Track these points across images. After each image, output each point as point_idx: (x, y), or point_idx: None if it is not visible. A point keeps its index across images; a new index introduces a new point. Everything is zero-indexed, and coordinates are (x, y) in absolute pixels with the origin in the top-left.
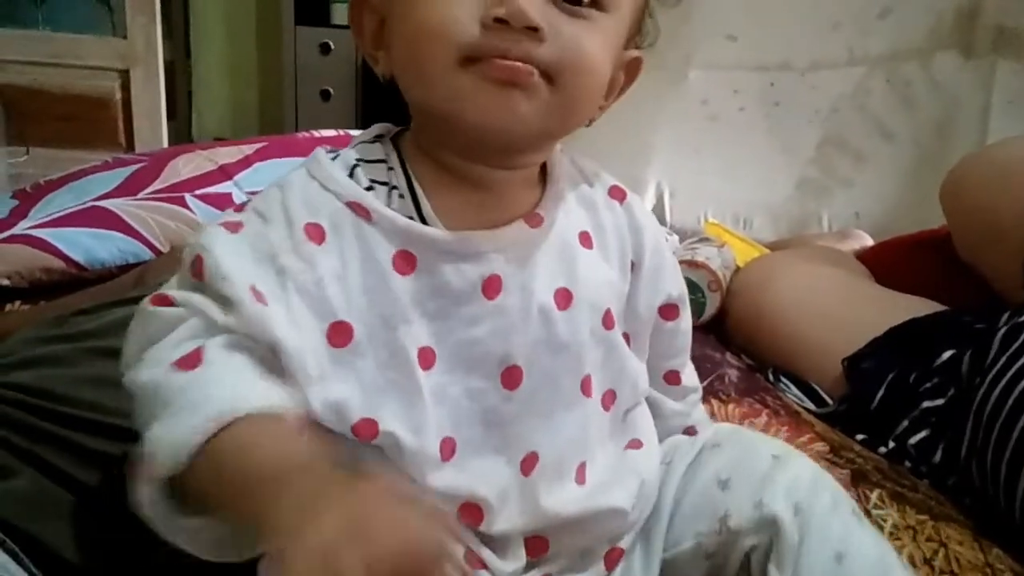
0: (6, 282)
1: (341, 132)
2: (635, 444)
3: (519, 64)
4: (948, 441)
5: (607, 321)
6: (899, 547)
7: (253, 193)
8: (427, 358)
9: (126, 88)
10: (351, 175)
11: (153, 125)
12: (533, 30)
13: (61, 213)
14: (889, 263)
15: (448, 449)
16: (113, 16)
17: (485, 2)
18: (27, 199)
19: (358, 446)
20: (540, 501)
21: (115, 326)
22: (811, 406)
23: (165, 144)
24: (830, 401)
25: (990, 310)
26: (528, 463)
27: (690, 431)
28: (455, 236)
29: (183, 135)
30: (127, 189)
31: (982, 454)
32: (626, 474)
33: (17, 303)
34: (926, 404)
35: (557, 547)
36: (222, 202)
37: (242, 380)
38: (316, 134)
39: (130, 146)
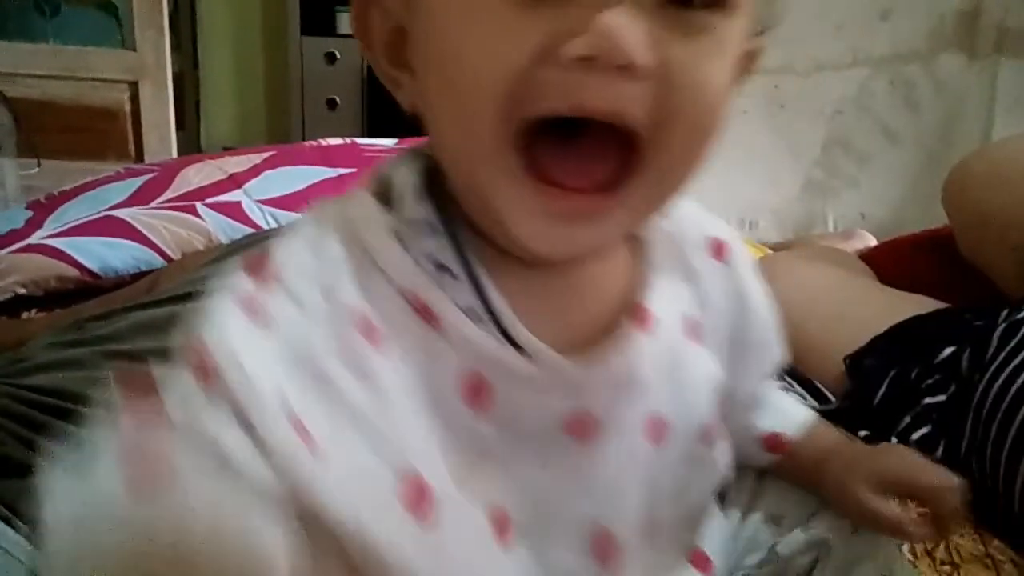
0: (22, 291)
1: (348, 140)
2: (701, 562)
3: (592, 199)
4: (949, 437)
5: (707, 438)
6: (899, 540)
7: (264, 202)
8: (503, 524)
9: (135, 100)
10: (400, 239)
11: (162, 136)
12: (630, 69)
13: (75, 223)
14: (892, 263)
15: None
16: (122, 29)
17: (554, 30)
18: (42, 210)
19: None
20: None
21: (129, 330)
22: (814, 404)
23: (174, 154)
24: (833, 399)
25: (990, 307)
26: None
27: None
28: (549, 366)
29: (192, 145)
30: (139, 199)
31: (982, 449)
32: None
33: (33, 311)
34: (927, 401)
35: None
36: (232, 210)
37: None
38: (323, 142)
39: (139, 157)
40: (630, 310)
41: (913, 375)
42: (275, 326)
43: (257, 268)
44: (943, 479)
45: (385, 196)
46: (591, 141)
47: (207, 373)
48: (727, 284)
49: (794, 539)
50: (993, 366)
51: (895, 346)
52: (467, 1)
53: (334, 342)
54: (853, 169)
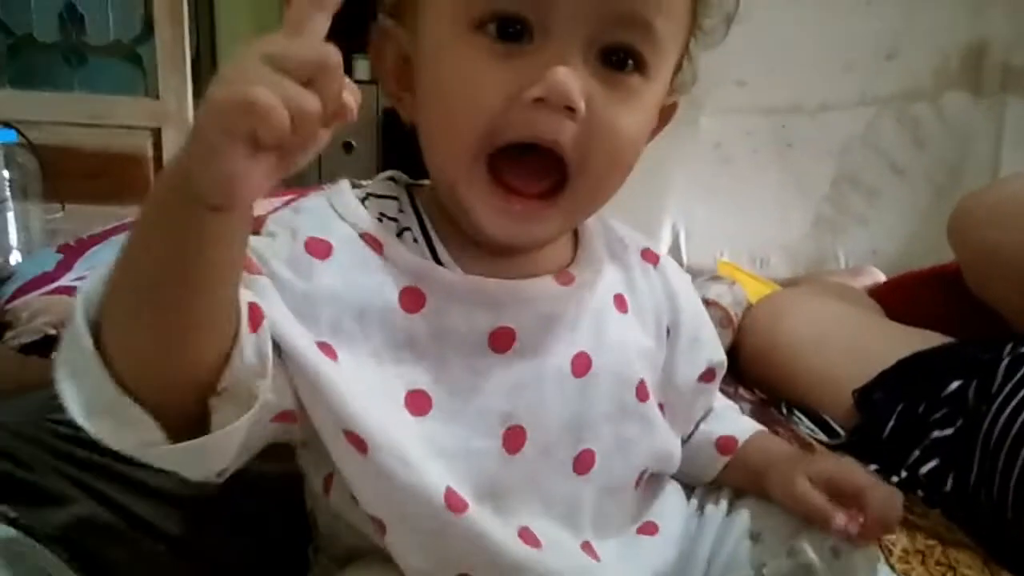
0: (52, 331)
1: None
2: (649, 528)
3: (530, 204)
4: (958, 470)
5: (641, 393)
6: (907, 570)
7: None
8: (419, 403)
9: (158, 146)
10: (363, 202)
11: None
12: (569, 109)
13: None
14: (900, 298)
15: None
16: (146, 78)
17: (522, 79)
18: (71, 253)
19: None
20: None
21: None
22: (823, 438)
23: None
24: (842, 433)
25: (996, 341)
26: (525, 536)
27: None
28: (472, 280)
29: None
30: None
31: (990, 480)
32: (636, 562)
33: None
34: (936, 434)
35: None
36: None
37: None
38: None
39: None
40: (557, 274)
41: (921, 409)
42: (265, 263)
43: (257, 225)
44: (876, 482)
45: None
46: (535, 162)
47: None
48: (657, 283)
49: (780, 563)
50: (999, 398)
51: (903, 380)
52: (455, 54)
53: (285, 252)
54: (863, 206)
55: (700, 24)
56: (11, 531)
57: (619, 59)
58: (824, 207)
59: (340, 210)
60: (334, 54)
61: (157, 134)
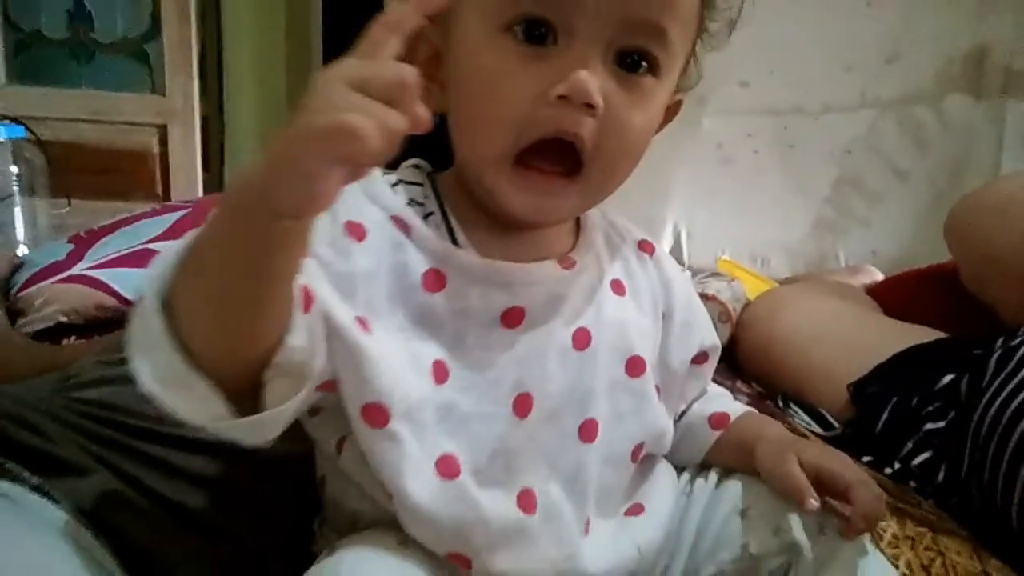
0: (64, 318)
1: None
2: (636, 509)
3: (553, 180)
4: (950, 462)
5: (633, 367)
6: (897, 555)
7: None
8: (439, 373)
9: (164, 142)
10: (394, 187)
11: (189, 177)
12: (589, 106)
13: (114, 255)
14: (898, 296)
15: (447, 468)
16: (152, 75)
17: (547, 79)
18: (82, 243)
19: (366, 430)
20: (539, 543)
21: None
22: (819, 430)
23: (200, 195)
24: (837, 425)
25: (988, 336)
26: (524, 499)
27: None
28: (488, 264)
29: (217, 186)
30: (173, 233)
31: (980, 470)
32: (622, 542)
33: (72, 338)
34: (928, 426)
35: None
36: None
37: None
38: None
39: (167, 197)
40: (560, 258)
41: (914, 402)
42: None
43: None
44: (863, 480)
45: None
46: (554, 148)
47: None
48: (653, 272)
49: (766, 540)
50: (990, 391)
51: (897, 374)
52: (486, 54)
53: (327, 234)
54: (864, 208)
55: (706, 27)
56: (37, 497)
57: (633, 61)
58: (825, 209)
59: (372, 195)
60: (411, 72)
61: (163, 131)
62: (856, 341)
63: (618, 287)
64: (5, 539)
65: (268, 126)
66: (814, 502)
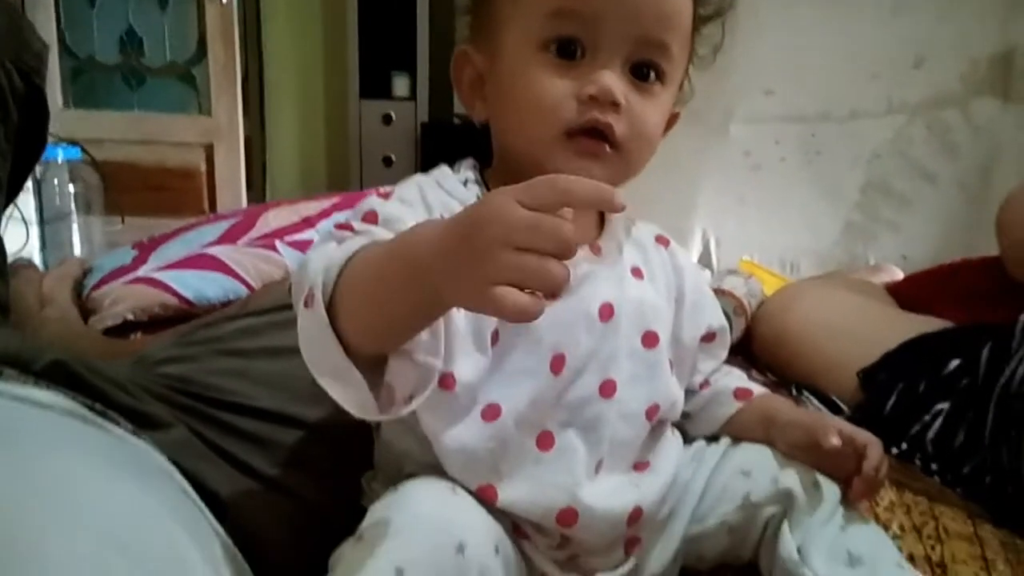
0: (130, 316)
1: None
2: (643, 466)
3: (601, 143)
4: (969, 428)
5: (648, 340)
6: (889, 519)
7: None
8: (494, 337)
9: (210, 160)
10: (465, 185)
11: (233, 193)
12: (615, 104)
13: (174, 259)
14: (921, 287)
15: (491, 413)
16: (199, 96)
17: (579, 84)
18: (145, 249)
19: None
20: (549, 471)
21: (232, 335)
22: (828, 413)
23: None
24: (846, 409)
25: (996, 324)
26: (543, 440)
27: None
28: None
29: (259, 201)
30: (228, 238)
31: (1007, 432)
32: (626, 488)
33: (138, 333)
34: (936, 407)
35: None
36: (306, 247)
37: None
38: (382, 189)
39: (213, 212)
40: (589, 245)
41: (922, 387)
42: (395, 202)
43: (384, 195)
44: (877, 442)
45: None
46: (591, 138)
47: (372, 219)
48: (668, 261)
49: (764, 490)
50: (1020, 353)
51: (906, 361)
52: (529, 68)
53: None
54: (893, 212)
55: (696, 51)
56: (137, 439)
57: (645, 72)
58: (854, 214)
59: (450, 189)
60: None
61: (209, 150)
62: (868, 331)
63: (637, 272)
64: (123, 461)
65: (307, 142)
66: (835, 440)
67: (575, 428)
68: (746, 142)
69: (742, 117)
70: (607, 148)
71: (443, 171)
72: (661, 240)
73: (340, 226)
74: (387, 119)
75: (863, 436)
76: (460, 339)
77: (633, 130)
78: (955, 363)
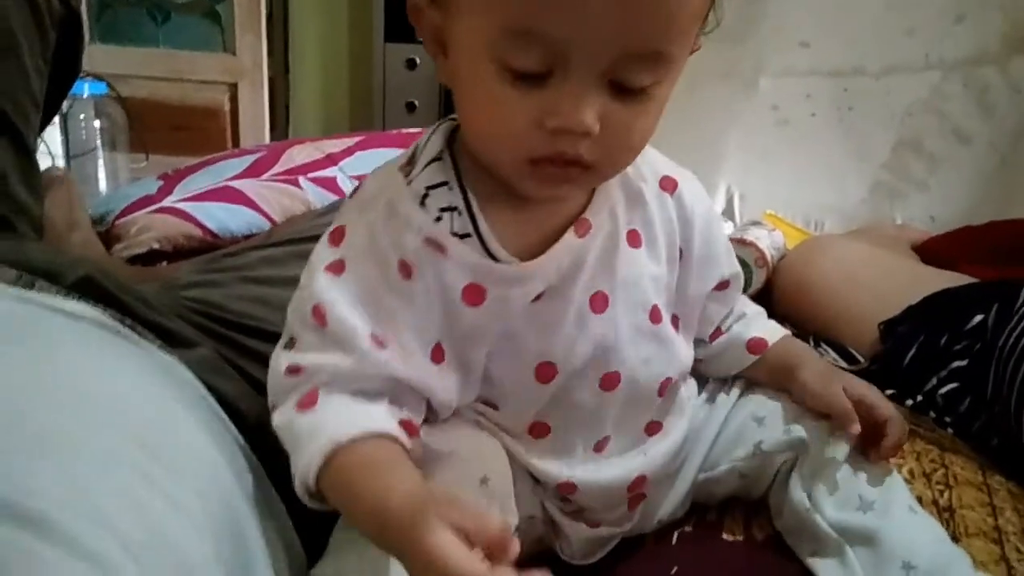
0: (156, 245)
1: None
2: (655, 428)
3: (569, 169)
4: (975, 392)
5: (655, 316)
6: (901, 464)
7: (355, 177)
8: (488, 357)
9: (234, 100)
10: (423, 203)
11: (257, 134)
12: (586, 134)
13: (199, 191)
14: (940, 251)
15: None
16: (224, 34)
17: (540, 107)
18: (170, 180)
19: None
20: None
21: (256, 263)
22: (844, 364)
23: None
24: (863, 360)
25: (1018, 280)
26: (537, 429)
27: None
28: (518, 269)
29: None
30: (252, 172)
31: (1009, 390)
32: (634, 453)
33: (164, 262)
34: (955, 364)
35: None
36: (328, 184)
37: (350, 411)
38: (405, 131)
39: None
40: (576, 222)
41: (943, 341)
42: (348, 278)
43: (336, 239)
44: (898, 415)
45: (413, 160)
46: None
47: (322, 319)
48: (672, 211)
49: (776, 437)
50: (1021, 313)
51: (928, 314)
52: (487, 83)
53: (385, 283)
54: (923, 172)
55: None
56: (164, 354)
57: (632, 82)
58: (882, 173)
59: (405, 218)
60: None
61: (234, 89)
62: (890, 284)
63: (634, 238)
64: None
65: (331, 84)
66: (857, 427)
67: (574, 421)
68: (775, 96)
69: (773, 70)
70: (578, 171)
71: (398, 188)
72: (666, 184)
73: (291, 370)
74: (411, 64)
75: (884, 409)
76: (443, 388)
77: (612, 148)
78: (978, 318)
